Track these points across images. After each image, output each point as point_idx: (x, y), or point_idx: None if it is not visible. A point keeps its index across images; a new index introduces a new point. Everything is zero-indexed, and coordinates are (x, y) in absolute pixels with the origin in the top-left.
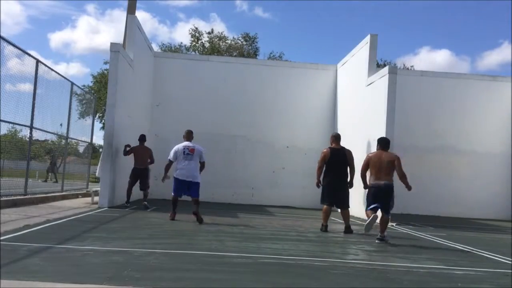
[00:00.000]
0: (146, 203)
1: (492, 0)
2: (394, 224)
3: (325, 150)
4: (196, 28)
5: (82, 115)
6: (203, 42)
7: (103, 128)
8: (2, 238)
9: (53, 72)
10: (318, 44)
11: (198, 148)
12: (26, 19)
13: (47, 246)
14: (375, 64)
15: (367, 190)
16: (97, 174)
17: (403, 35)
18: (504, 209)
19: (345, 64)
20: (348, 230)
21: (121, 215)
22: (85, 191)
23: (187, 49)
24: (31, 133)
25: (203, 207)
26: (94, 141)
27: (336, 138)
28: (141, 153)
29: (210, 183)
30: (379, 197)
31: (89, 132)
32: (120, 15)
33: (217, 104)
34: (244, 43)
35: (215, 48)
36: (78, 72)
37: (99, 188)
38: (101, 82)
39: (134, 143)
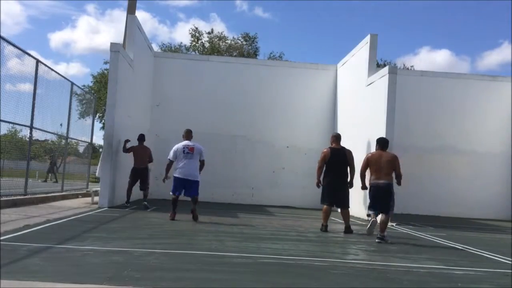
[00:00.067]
0: (146, 203)
1: (492, 0)
2: (394, 224)
3: (325, 150)
4: (196, 28)
5: (82, 115)
6: (203, 42)
7: (103, 128)
8: (2, 238)
9: (53, 72)
10: (318, 44)
11: (197, 147)
12: (26, 19)
13: (47, 246)
14: (375, 64)
15: (368, 189)
16: (97, 174)
17: (403, 35)
18: (504, 209)
19: (345, 64)
20: (348, 230)
21: (121, 215)
22: (85, 191)
23: (187, 49)
24: (31, 133)
25: (203, 207)
26: (94, 141)
27: (337, 138)
28: (141, 153)
29: (210, 183)
30: (379, 196)
31: (89, 132)
32: (120, 15)
33: (217, 104)
34: (244, 43)
35: (215, 48)
36: (78, 72)
37: (99, 188)
38: (101, 82)
39: (134, 143)
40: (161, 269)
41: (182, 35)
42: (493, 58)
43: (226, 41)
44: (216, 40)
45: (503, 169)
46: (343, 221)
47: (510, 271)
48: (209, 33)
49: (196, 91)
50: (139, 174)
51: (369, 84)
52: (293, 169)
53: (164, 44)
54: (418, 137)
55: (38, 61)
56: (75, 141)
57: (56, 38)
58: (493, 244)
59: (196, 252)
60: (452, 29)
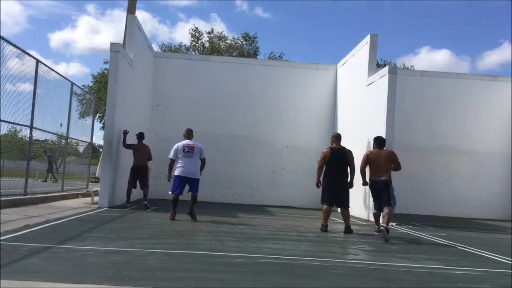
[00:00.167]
0: (146, 202)
1: (492, 0)
2: (394, 224)
3: (325, 150)
4: (196, 28)
5: (82, 115)
6: (203, 42)
7: (103, 128)
8: (2, 238)
9: (53, 72)
10: (318, 44)
11: (198, 146)
12: (26, 19)
13: (47, 246)
14: (375, 64)
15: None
16: (97, 174)
17: (403, 35)
18: (504, 209)
19: (345, 64)
20: (348, 230)
21: (121, 215)
22: (85, 191)
23: (187, 49)
24: (31, 133)
25: (203, 207)
26: (94, 141)
27: (337, 138)
28: (141, 151)
29: (210, 182)
30: (379, 192)
31: (89, 132)
32: (120, 15)
33: (217, 104)
34: (244, 43)
35: (215, 48)
36: (78, 72)
37: (99, 188)
38: (101, 82)
39: (133, 139)
40: (161, 269)
41: (182, 35)
42: (493, 58)
43: (226, 41)
44: (216, 40)
45: (503, 169)
46: (343, 221)
47: (510, 271)
48: (209, 33)
49: (196, 91)
50: (139, 172)
51: (369, 84)
52: (293, 169)
53: (164, 44)
54: (418, 137)
55: (38, 61)
56: (75, 141)
57: (56, 38)
58: (493, 244)
59: (196, 252)
60: (452, 29)
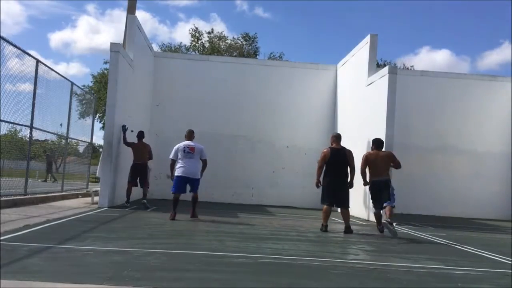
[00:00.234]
0: (145, 201)
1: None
2: (394, 224)
3: (325, 150)
4: (196, 28)
5: (82, 115)
6: (203, 42)
7: (103, 128)
8: (2, 238)
9: (53, 72)
10: (318, 44)
11: (198, 147)
12: (26, 19)
13: (47, 246)
14: (375, 64)
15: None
16: (97, 174)
17: (403, 35)
18: (504, 209)
19: (345, 64)
20: (348, 230)
21: (121, 215)
22: (85, 191)
23: (187, 49)
24: (31, 133)
25: (203, 207)
26: (94, 141)
27: (337, 138)
28: (141, 149)
29: (210, 183)
30: (379, 191)
31: (89, 132)
32: (120, 15)
33: (217, 104)
34: (244, 43)
35: (215, 48)
36: (78, 72)
37: (99, 188)
38: (101, 82)
39: (133, 138)
40: (161, 269)
41: (182, 35)
42: (493, 58)
43: (226, 41)
44: (216, 40)
45: (503, 169)
46: (343, 221)
47: (510, 271)
48: (209, 33)
49: (196, 91)
50: (139, 171)
51: (369, 84)
52: (293, 169)
53: (164, 44)
54: (418, 137)
55: (38, 61)
56: (75, 141)
57: (56, 38)
58: (493, 244)
59: (196, 252)
60: (452, 29)
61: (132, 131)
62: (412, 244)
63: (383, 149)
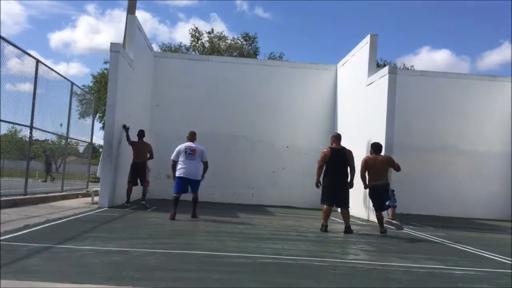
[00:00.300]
0: (144, 202)
1: (492, 0)
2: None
3: (325, 150)
4: (196, 28)
5: (82, 115)
6: (203, 42)
7: (103, 128)
8: (2, 238)
9: (53, 72)
10: (318, 44)
11: (199, 149)
12: (26, 19)
13: (47, 246)
14: (375, 64)
15: (368, 192)
16: (97, 174)
17: (403, 35)
18: (504, 209)
19: (345, 64)
20: (348, 230)
21: (121, 215)
22: (85, 191)
23: (187, 49)
24: (31, 133)
25: (203, 207)
26: (94, 141)
27: (337, 138)
28: (141, 148)
29: (210, 183)
30: (379, 194)
31: (89, 132)
32: (120, 15)
33: (217, 104)
34: (244, 43)
35: (215, 48)
36: (78, 72)
37: (99, 188)
38: (101, 82)
39: (133, 137)
40: (161, 269)
41: (182, 35)
42: (493, 58)
43: (226, 41)
44: (216, 40)
45: (503, 169)
46: (343, 221)
47: (510, 271)
48: (209, 33)
49: (196, 91)
50: (138, 169)
51: (369, 84)
52: (293, 169)
53: (164, 44)
54: (418, 137)
55: (38, 61)
56: (75, 141)
57: (56, 38)
58: (493, 244)
59: (196, 252)
60: (452, 29)
61: (127, 127)
62: (412, 244)
63: (382, 153)
